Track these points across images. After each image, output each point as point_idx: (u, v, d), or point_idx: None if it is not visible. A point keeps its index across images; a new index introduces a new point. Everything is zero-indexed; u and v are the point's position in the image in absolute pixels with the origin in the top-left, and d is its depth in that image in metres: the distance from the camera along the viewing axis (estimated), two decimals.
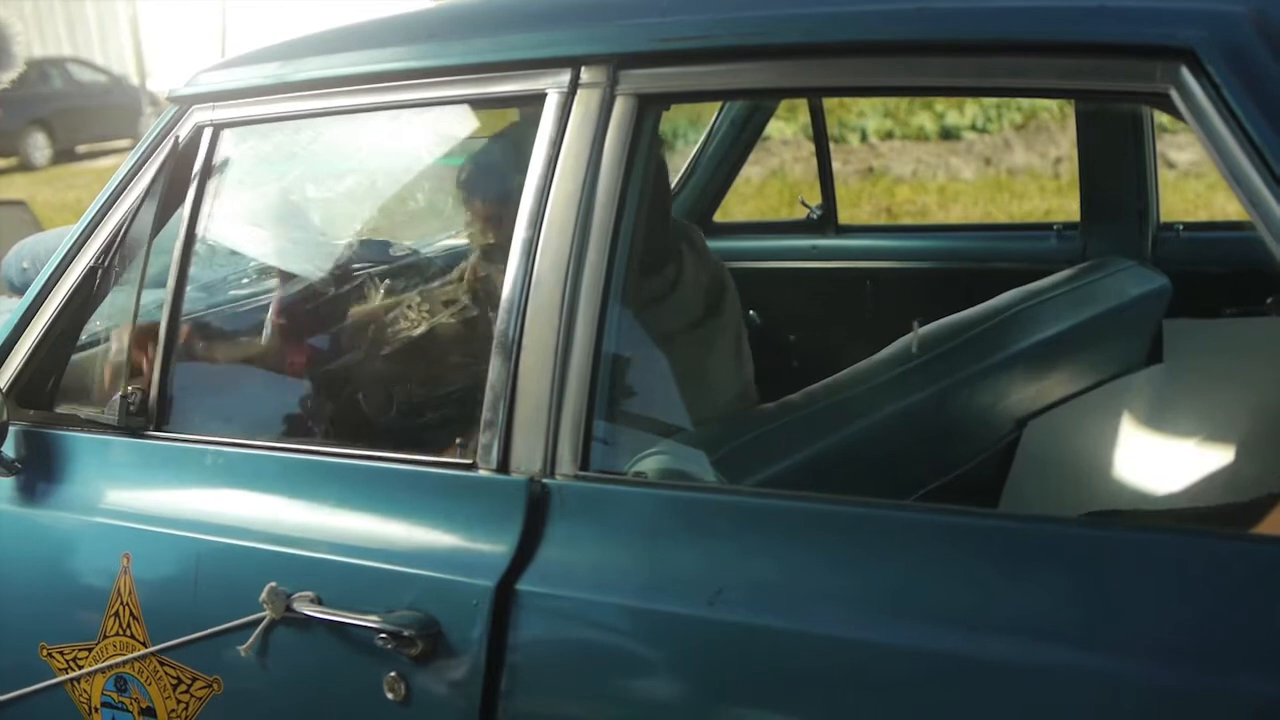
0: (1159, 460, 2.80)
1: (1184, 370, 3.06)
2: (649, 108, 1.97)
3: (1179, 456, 2.77)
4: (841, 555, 1.73)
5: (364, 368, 2.31)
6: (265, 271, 2.48)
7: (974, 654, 1.60)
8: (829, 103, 4.34)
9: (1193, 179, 9.95)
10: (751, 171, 10.50)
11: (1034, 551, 1.64)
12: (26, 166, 21.67)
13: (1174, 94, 1.62)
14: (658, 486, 1.95)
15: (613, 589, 1.81)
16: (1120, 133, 3.39)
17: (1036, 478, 2.67)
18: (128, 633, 2.25)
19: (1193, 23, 1.61)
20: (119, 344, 2.46)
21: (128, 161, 2.47)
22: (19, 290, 4.18)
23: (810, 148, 9.27)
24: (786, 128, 11.93)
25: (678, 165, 4.08)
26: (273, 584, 2.03)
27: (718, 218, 4.15)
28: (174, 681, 2.20)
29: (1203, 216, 8.34)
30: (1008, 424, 2.71)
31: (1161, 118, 3.96)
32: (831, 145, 4.23)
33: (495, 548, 1.90)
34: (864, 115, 12.84)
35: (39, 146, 22.05)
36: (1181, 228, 3.43)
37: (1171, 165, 9.86)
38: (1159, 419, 2.89)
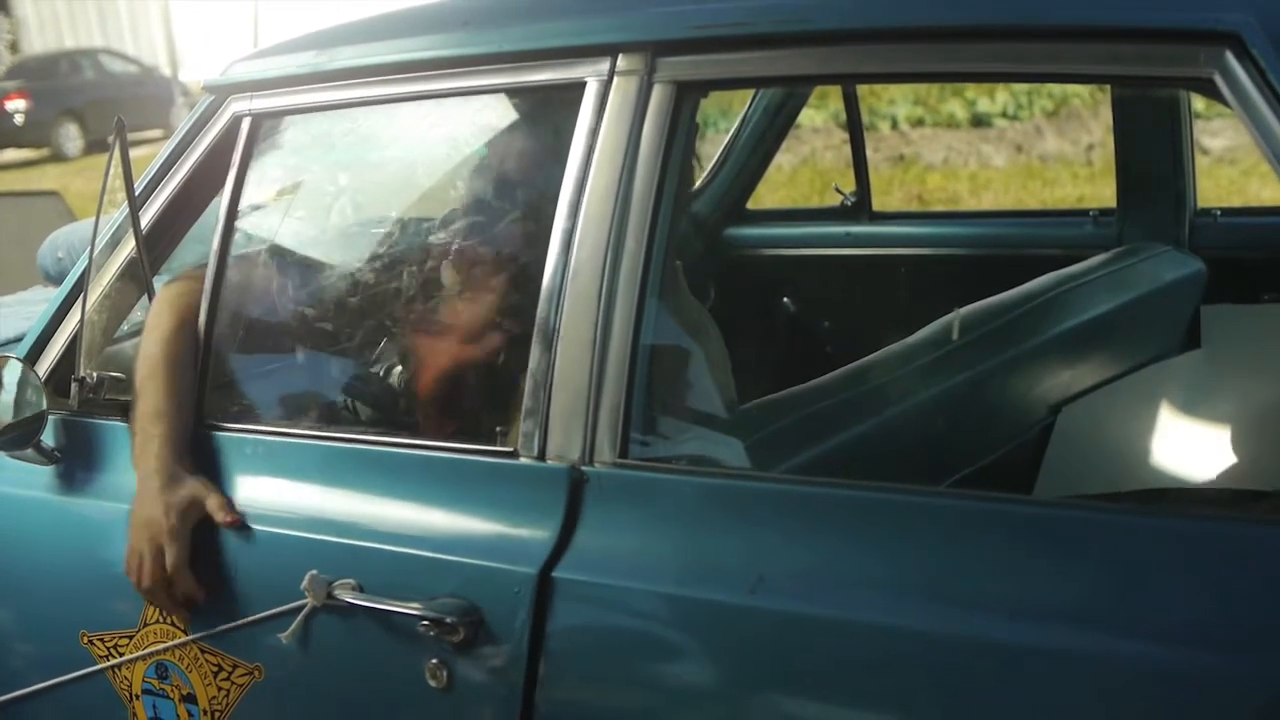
0: (1195, 446, 2.79)
1: (1222, 356, 3.05)
2: (687, 95, 1.97)
3: (1216, 442, 2.76)
4: (882, 542, 1.73)
5: (403, 356, 2.31)
6: (305, 261, 2.48)
7: (1014, 640, 1.60)
8: (859, 90, 4.33)
9: (1227, 165, 9.91)
10: (782, 159, 10.48)
11: (1070, 537, 1.64)
12: (59, 157, 21.78)
13: (1218, 78, 1.61)
14: (697, 474, 1.95)
15: (653, 576, 1.81)
16: (1157, 117, 3.38)
17: (1072, 463, 2.67)
18: (168, 620, 2.26)
19: (1237, 6, 1.59)
20: None
21: (164, 151, 2.48)
22: (55, 280, 4.21)
23: (841, 135, 9.27)
24: (817, 115, 11.92)
25: (710, 153, 4.08)
26: (314, 571, 2.03)
27: (750, 205, 4.15)
28: (215, 669, 2.21)
29: (1237, 202, 8.31)
30: (1042, 409, 2.70)
31: (1196, 103, 3.94)
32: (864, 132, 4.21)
33: (537, 535, 1.90)
34: (895, 103, 12.81)
35: (71, 137, 22.15)
36: (1219, 213, 3.41)
37: (1206, 151, 9.82)
38: (1196, 405, 2.88)
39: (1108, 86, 3.77)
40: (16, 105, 21.91)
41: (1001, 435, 2.61)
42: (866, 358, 2.42)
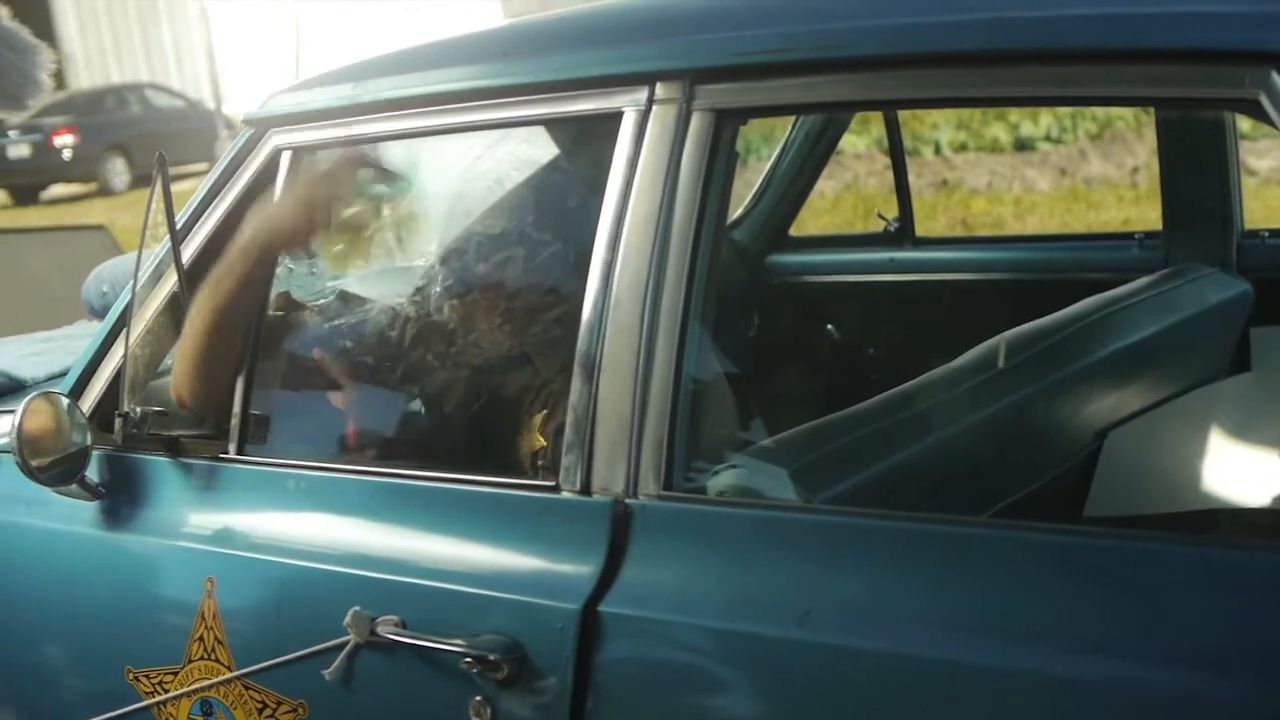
0: (1245, 471, 2.75)
1: (1272, 378, 3.01)
2: (726, 123, 1.95)
3: (1267, 467, 2.72)
4: (930, 574, 1.71)
5: (445, 389, 2.31)
6: (345, 294, 2.48)
7: (1064, 673, 1.57)
8: (902, 115, 4.31)
9: (1275, 185, 9.83)
10: (825, 185, 10.46)
11: (1120, 567, 1.62)
12: (106, 191, 21.95)
13: (1264, 99, 1.59)
14: (742, 505, 1.94)
15: (699, 610, 1.79)
16: (1202, 138, 3.34)
17: (1119, 489, 2.63)
18: (212, 656, 2.26)
19: None
20: None
21: (205, 183, 2.48)
22: (99, 315, 4.23)
23: (884, 161, 9.22)
24: (859, 141, 11.90)
25: (751, 180, 4.07)
26: (357, 608, 2.02)
27: (793, 231, 4.13)
28: (259, 705, 2.20)
29: None
30: (1088, 434, 2.67)
31: (1243, 123, 3.90)
32: (906, 158, 4.19)
33: (580, 569, 1.89)
34: (937, 128, 12.77)
35: (118, 172, 22.33)
36: (1266, 234, 3.38)
37: (1253, 172, 9.74)
38: (1246, 428, 2.84)
39: (1152, 108, 3.74)
40: (64, 140, 22.10)
41: (1048, 461, 2.58)
42: (910, 383, 2.40)
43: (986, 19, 1.78)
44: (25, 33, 2.57)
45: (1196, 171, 3.38)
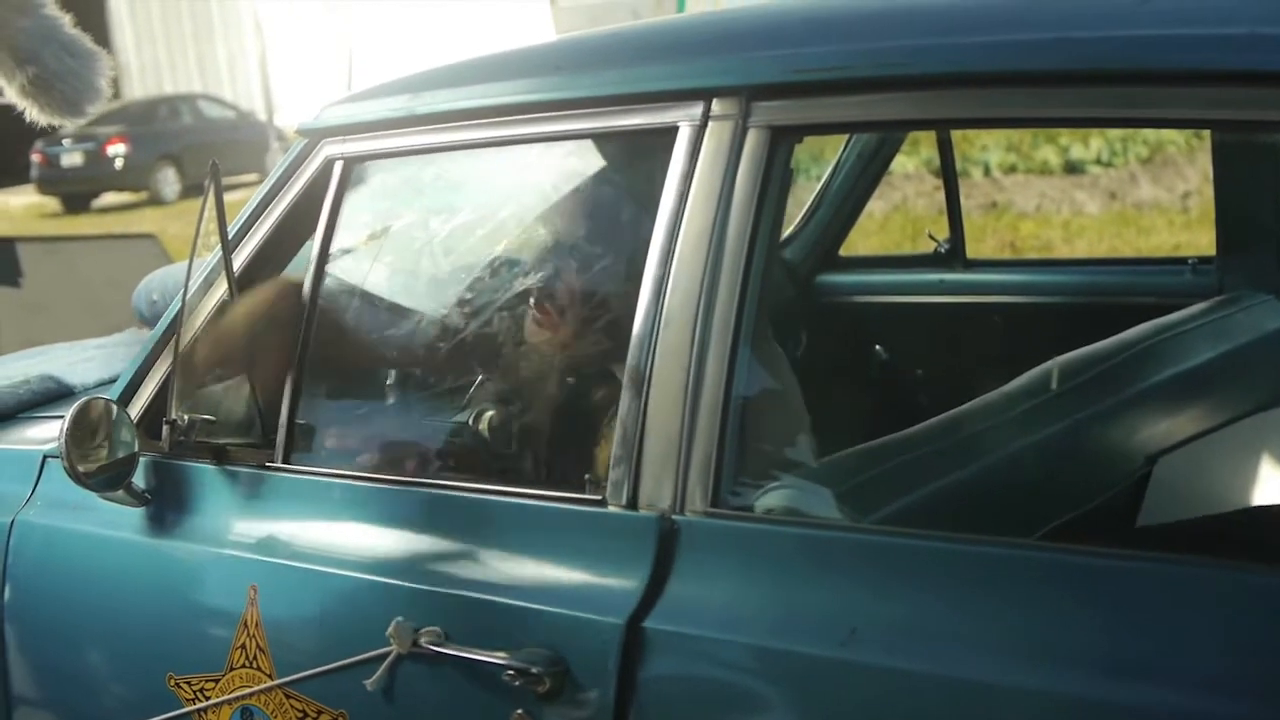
0: None
1: None
2: (782, 140, 1.95)
3: None
4: (977, 596, 1.69)
5: (491, 401, 2.30)
6: (394, 305, 2.49)
7: (1110, 698, 1.56)
8: (952, 137, 4.28)
9: None
10: (874, 206, 10.43)
11: (1168, 592, 1.60)
12: (157, 200, 22.10)
13: None
14: (789, 524, 1.93)
15: (744, 628, 1.78)
16: (1258, 162, 3.32)
17: (1169, 515, 2.62)
18: (254, 664, 2.26)
19: None
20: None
21: (258, 194, 2.49)
22: (149, 322, 4.25)
23: (933, 182, 9.21)
24: (909, 162, 11.86)
25: (802, 199, 4.05)
26: (400, 618, 2.02)
27: (843, 252, 4.12)
28: (299, 714, 2.20)
29: None
30: (1139, 459, 2.66)
31: None
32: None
33: (625, 584, 1.88)
34: (987, 149, 12.72)
35: (169, 181, 22.49)
36: None
37: None
38: None
39: (1207, 132, 3.71)
40: (117, 149, 22.28)
41: (1097, 485, 2.56)
42: (961, 407, 2.38)
43: (1047, 39, 1.77)
44: (86, 40, 2.59)
45: (1252, 195, 3.36)
